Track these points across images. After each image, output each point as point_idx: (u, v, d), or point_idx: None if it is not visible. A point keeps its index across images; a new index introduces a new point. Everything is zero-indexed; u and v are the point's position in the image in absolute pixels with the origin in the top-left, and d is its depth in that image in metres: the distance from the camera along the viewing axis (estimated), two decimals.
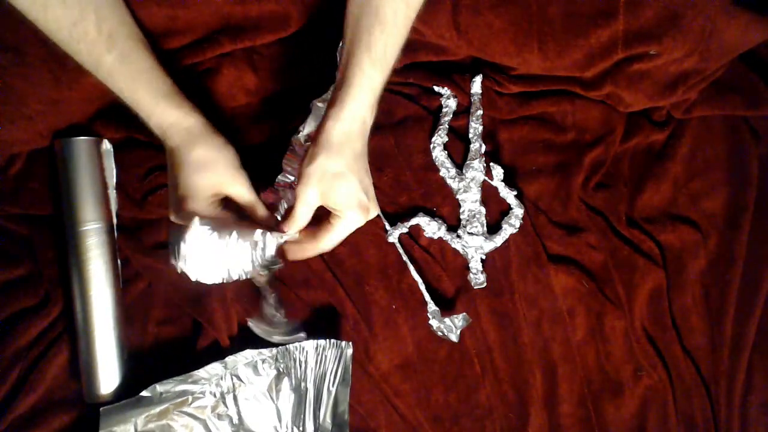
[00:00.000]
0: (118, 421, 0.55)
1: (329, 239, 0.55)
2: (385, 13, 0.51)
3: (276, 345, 0.60)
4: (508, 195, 0.68)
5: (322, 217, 0.55)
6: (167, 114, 0.52)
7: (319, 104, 0.63)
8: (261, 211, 0.56)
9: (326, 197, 0.53)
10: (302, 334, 0.61)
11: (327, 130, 0.52)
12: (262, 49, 0.65)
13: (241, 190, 0.55)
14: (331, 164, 0.52)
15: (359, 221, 0.54)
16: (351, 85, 0.51)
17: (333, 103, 0.52)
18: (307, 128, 0.63)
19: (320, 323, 0.64)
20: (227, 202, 0.56)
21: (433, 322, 0.65)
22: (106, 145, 0.61)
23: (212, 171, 0.53)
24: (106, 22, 0.50)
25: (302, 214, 0.54)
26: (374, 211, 0.56)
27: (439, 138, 0.69)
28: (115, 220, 0.62)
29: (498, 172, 0.68)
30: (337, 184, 0.52)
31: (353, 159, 0.53)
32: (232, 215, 0.56)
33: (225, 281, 0.53)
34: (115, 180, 0.62)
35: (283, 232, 0.55)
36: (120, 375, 0.59)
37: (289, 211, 0.55)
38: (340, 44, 0.56)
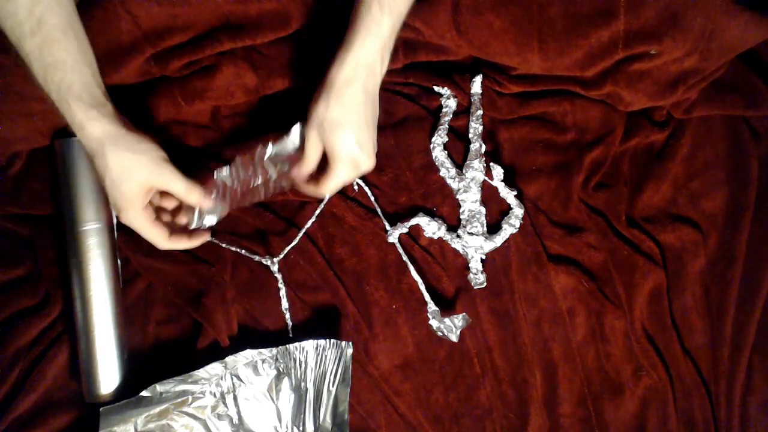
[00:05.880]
0: (118, 421, 0.55)
1: (326, 186, 0.56)
2: None
3: (277, 345, 0.60)
4: (508, 195, 0.68)
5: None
6: (74, 114, 0.49)
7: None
8: (196, 195, 0.55)
9: (324, 143, 0.54)
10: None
11: (330, 74, 0.52)
12: (262, 47, 0.65)
13: (170, 181, 0.53)
14: (328, 111, 0.52)
15: (348, 174, 0.55)
16: (358, 30, 0.51)
17: (340, 47, 0.52)
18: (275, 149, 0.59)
19: (320, 323, 0.64)
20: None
21: (433, 322, 0.65)
22: None
23: (134, 174, 0.51)
24: (39, 6, 0.47)
25: (309, 156, 0.56)
26: (365, 165, 0.56)
27: (439, 138, 0.69)
28: (115, 220, 0.61)
29: (498, 172, 0.68)
30: (331, 133, 0.53)
31: (353, 107, 0.53)
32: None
33: None
34: None
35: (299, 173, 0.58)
36: (120, 375, 0.59)
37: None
38: None
